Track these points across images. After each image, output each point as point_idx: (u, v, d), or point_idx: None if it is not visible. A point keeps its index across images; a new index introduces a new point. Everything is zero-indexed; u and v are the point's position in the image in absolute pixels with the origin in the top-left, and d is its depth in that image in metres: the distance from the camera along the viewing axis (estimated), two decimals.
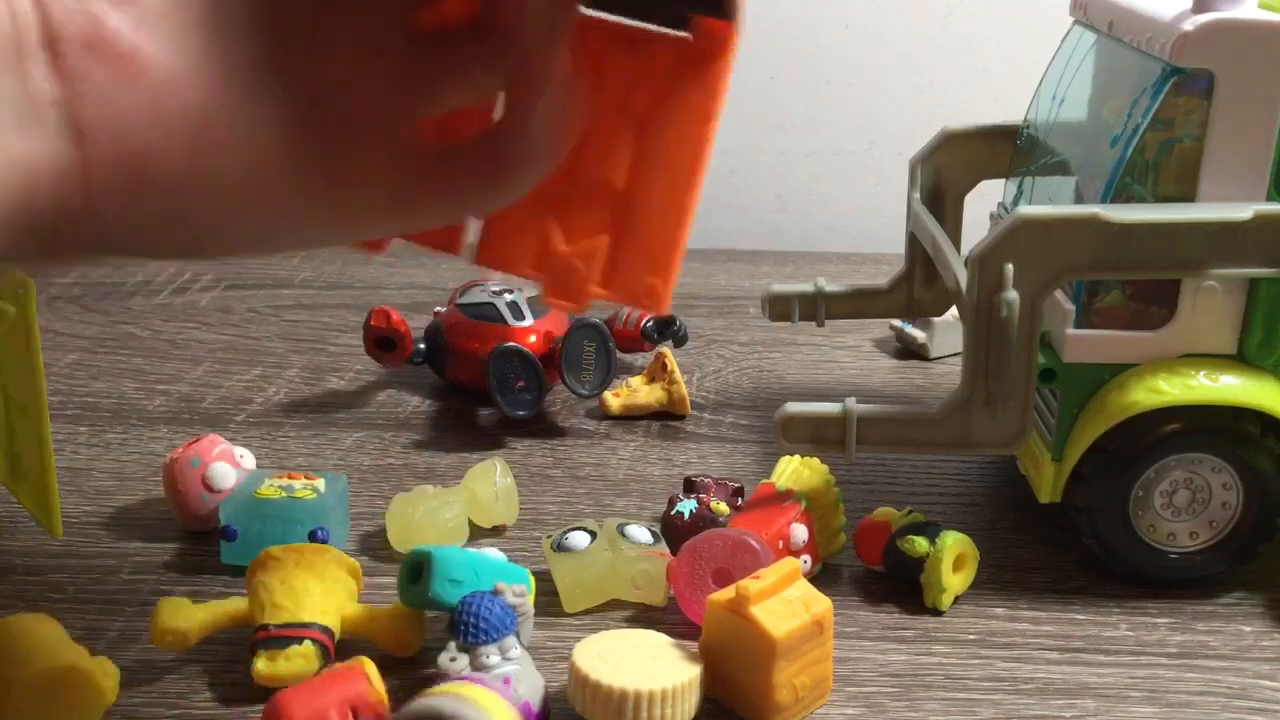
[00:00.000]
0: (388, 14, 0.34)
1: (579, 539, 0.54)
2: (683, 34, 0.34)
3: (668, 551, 0.53)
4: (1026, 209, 0.50)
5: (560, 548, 0.53)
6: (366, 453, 0.68)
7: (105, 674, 0.46)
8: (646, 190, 0.34)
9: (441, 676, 0.44)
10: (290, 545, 0.51)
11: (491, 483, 0.59)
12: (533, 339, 0.71)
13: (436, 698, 0.41)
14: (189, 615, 0.49)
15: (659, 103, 0.34)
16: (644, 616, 0.53)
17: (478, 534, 0.59)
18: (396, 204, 0.36)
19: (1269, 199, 0.51)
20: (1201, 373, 0.52)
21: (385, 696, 0.45)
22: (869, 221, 1.05)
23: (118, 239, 0.33)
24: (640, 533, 0.54)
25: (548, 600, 0.53)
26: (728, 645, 0.47)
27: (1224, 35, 0.49)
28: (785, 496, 0.56)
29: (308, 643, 0.47)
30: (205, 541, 0.58)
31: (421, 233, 0.38)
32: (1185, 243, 0.50)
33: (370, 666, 0.45)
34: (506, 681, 0.44)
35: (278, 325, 0.86)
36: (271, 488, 0.56)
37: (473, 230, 0.37)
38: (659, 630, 0.51)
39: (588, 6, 0.34)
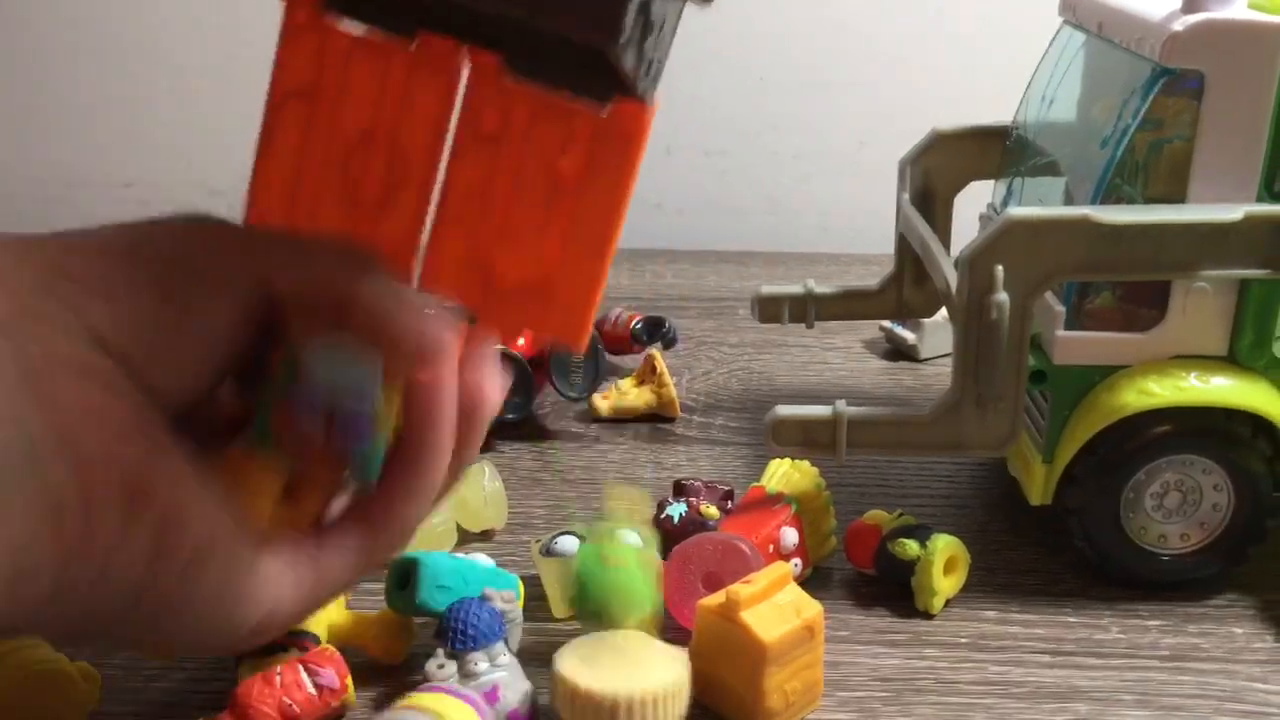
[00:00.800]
0: None
1: (568, 543, 0.53)
2: (601, 109, 0.37)
3: (656, 555, 0.53)
4: (1016, 210, 0.50)
5: (549, 552, 0.53)
6: None
7: (86, 677, 0.45)
8: (571, 246, 0.38)
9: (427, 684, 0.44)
10: None
11: (480, 486, 0.58)
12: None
13: (405, 711, 0.41)
14: None
15: (582, 169, 0.37)
16: None
17: (466, 538, 0.59)
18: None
19: (1259, 200, 0.51)
20: (1192, 374, 0.52)
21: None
22: (859, 222, 1.05)
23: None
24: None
25: (537, 606, 0.52)
26: (718, 650, 0.46)
27: (1214, 36, 0.49)
28: (775, 500, 0.55)
29: (293, 650, 0.47)
30: None
31: None
32: (1176, 244, 0.50)
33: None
34: (495, 689, 0.44)
35: None
36: None
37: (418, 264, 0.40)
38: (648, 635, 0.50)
39: (514, 76, 0.37)
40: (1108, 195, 0.51)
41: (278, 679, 0.45)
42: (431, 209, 0.38)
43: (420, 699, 0.42)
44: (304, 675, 0.45)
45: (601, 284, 0.39)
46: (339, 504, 0.39)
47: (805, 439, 0.54)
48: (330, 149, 0.38)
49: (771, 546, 0.53)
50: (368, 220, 0.38)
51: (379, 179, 0.38)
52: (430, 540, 0.56)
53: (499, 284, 0.39)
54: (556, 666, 0.45)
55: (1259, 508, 0.53)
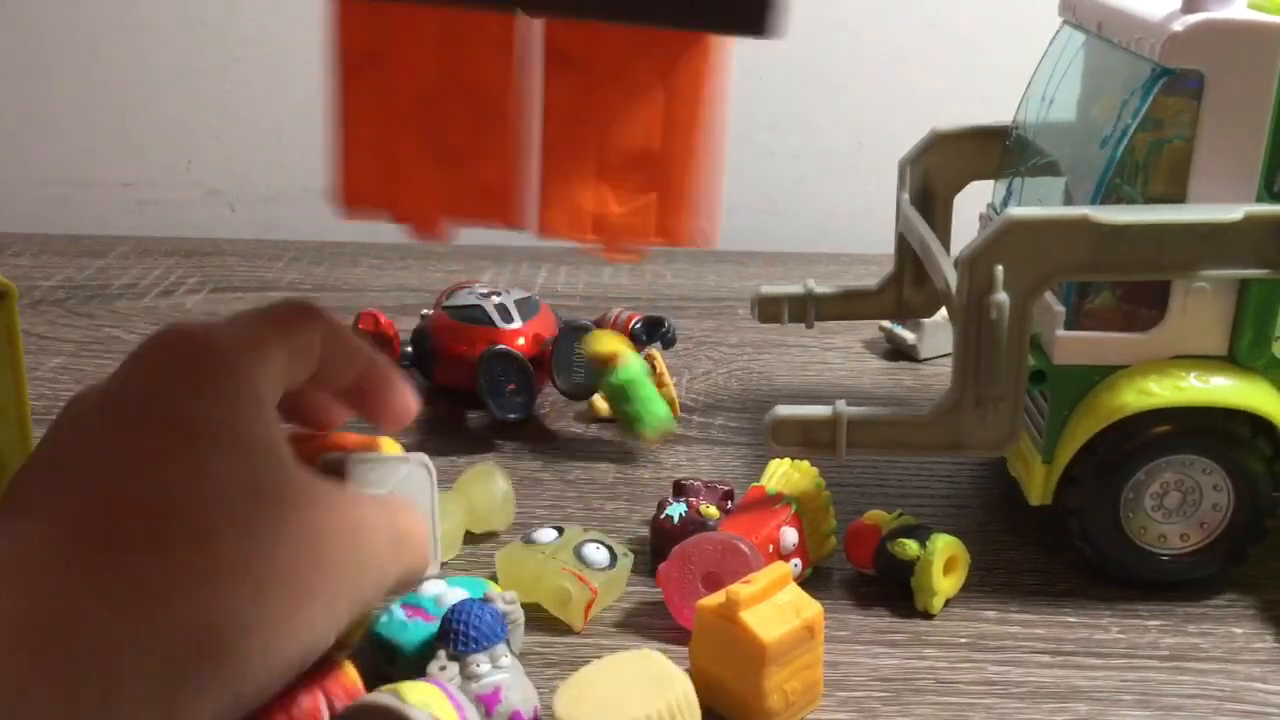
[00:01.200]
0: None
1: (544, 534, 0.54)
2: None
3: (596, 586, 0.52)
4: (1016, 210, 0.50)
5: (527, 540, 0.54)
6: None
7: None
8: (675, 147, 0.39)
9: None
10: None
11: (491, 490, 0.58)
12: (521, 341, 0.70)
13: (382, 694, 0.41)
14: None
15: (670, 72, 0.38)
16: (634, 624, 0.53)
17: (469, 538, 0.59)
18: None
19: (1259, 200, 0.51)
20: (1192, 374, 0.52)
21: (360, 684, 0.45)
22: (858, 222, 1.05)
23: None
24: (597, 552, 0.53)
25: (537, 606, 0.52)
26: (718, 651, 0.46)
27: (1213, 36, 0.49)
28: (775, 500, 0.55)
29: None
30: None
31: (481, 210, 0.40)
32: (1176, 244, 0.50)
33: (351, 670, 0.45)
34: (497, 691, 0.44)
35: None
36: None
37: (531, 204, 0.41)
38: (649, 636, 0.51)
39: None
40: (1108, 195, 0.51)
41: (295, 708, 0.44)
42: (530, 152, 0.39)
43: (394, 685, 0.42)
44: (322, 703, 0.44)
45: (703, 173, 0.40)
46: None
47: (805, 439, 0.54)
48: (409, 106, 0.38)
49: (771, 546, 0.53)
50: (462, 170, 0.38)
51: (465, 126, 0.38)
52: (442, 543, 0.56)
53: (613, 210, 0.39)
54: (555, 711, 0.44)
55: (1259, 508, 0.53)
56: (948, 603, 0.54)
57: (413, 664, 0.46)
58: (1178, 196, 0.51)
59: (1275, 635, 0.52)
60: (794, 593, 0.47)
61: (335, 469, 0.44)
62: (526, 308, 0.73)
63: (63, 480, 0.35)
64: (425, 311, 0.77)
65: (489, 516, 0.58)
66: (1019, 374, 0.52)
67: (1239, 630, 0.53)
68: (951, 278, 0.52)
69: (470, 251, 1.01)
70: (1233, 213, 0.49)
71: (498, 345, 0.68)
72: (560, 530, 0.55)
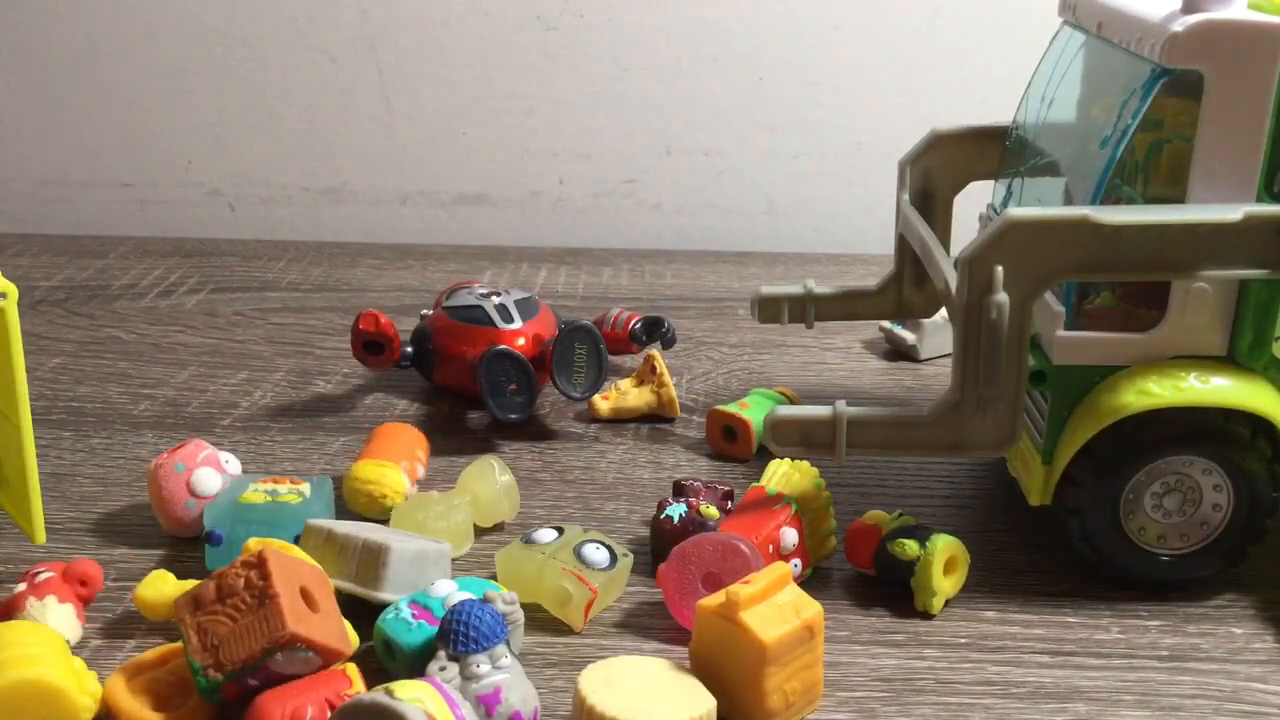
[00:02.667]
0: None
1: (544, 535, 0.54)
2: None
3: (596, 586, 0.52)
4: (1016, 211, 0.50)
5: (527, 540, 0.54)
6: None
7: (83, 690, 0.44)
8: None
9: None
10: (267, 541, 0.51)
11: (492, 481, 0.59)
12: (521, 341, 0.70)
13: (373, 693, 0.41)
14: (161, 589, 0.50)
15: None
16: (634, 624, 0.53)
17: (478, 532, 0.59)
18: None
19: (1259, 200, 0.51)
20: (1192, 374, 0.52)
21: (361, 685, 0.45)
22: (858, 223, 1.05)
23: None
24: (597, 552, 0.53)
25: (536, 606, 0.52)
26: (718, 651, 0.46)
27: (1213, 36, 0.49)
28: (775, 500, 0.55)
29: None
30: (190, 547, 0.57)
31: None
32: (1176, 244, 0.50)
33: (353, 670, 0.45)
34: (497, 691, 0.44)
35: (264, 328, 0.86)
36: (256, 493, 0.56)
37: None
38: (649, 636, 0.51)
39: None
40: (1108, 195, 0.51)
41: (297, 708, 0.43)
42: None
43: (391, 685, 0.42)
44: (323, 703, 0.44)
45: None
46: None
47: (805, 439, 0.54)
48: None
49: (771, 546, 0.53)
50: None
51: None
52: (448, 537, 0.56)
53: None
54: (579, 684, 0.45)
55: (1258, 508, 0.53)
56: (948, 603, 0.54)
57: (414, 664, 0.46)
58: (1178, 196, 0.51)
59: (1275, 635, 0.52)
60: (794, 593, 0.47)
61: None
62: (526, 308, 0.73)
63: None
64: (425, 311, 0.77)
65: (494, 507, 0.59)
66: (1019, 374, 0.52)
67: (1239, 630, 0.53)
68: (951, 278, 0.52)
69: (470, 251, 1.01)
70: (1233, 213, 0.49)
71: (499, 345, 0.68)
72: (560, 530, 0.55)
